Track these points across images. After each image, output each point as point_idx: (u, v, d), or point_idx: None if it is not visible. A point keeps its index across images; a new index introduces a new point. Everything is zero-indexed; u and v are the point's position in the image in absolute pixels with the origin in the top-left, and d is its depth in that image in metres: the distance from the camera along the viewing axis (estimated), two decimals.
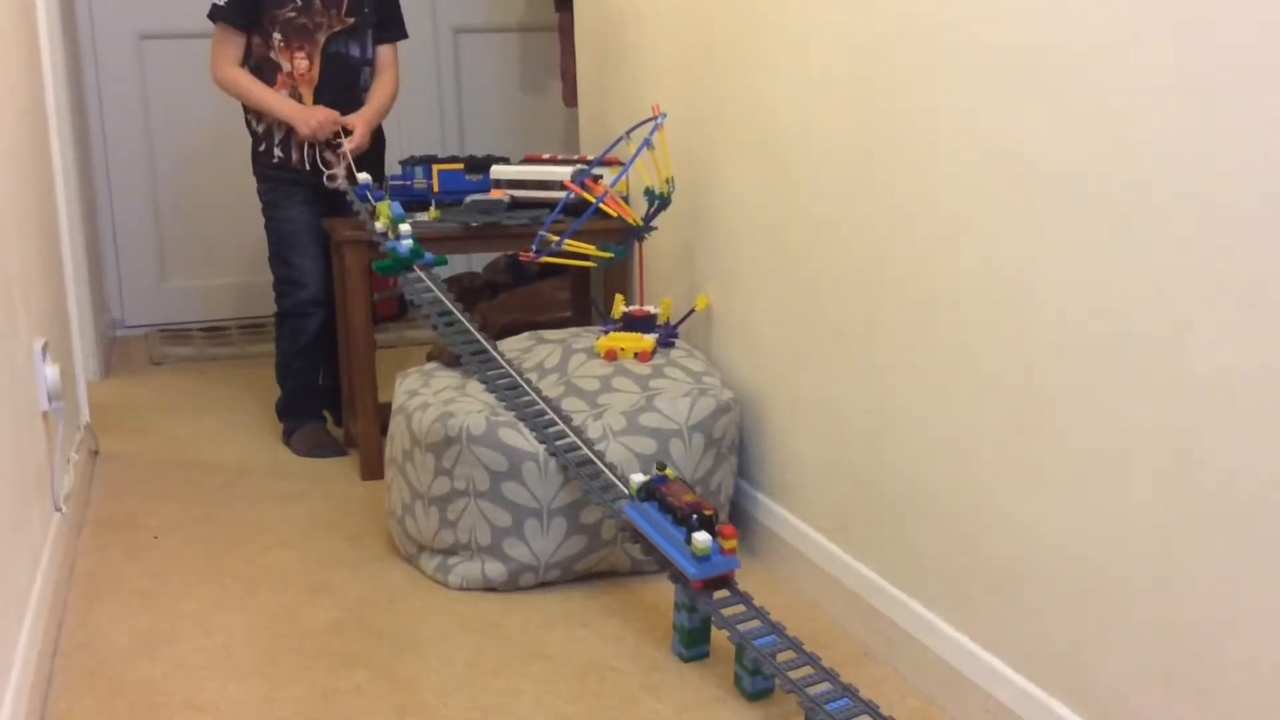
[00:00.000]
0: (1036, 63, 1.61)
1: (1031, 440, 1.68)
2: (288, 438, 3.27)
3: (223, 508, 2.85)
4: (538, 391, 2.42)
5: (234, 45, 3.08)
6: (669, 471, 2.15)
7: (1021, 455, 1.70)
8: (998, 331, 1.73)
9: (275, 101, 3.07)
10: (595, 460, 2.26)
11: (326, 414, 3.38)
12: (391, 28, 3.27)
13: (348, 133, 3.08)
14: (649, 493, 2.10)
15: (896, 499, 2.02)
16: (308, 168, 3.12)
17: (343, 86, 3.15)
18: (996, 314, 1.73)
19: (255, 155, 3.19)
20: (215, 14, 3.09)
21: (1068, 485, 1.62)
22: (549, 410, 2.36)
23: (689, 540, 1.97)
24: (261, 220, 3.24)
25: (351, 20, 3.13)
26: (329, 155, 3.08)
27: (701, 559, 1.96)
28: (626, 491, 2.18)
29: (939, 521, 1.91)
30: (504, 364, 2.50)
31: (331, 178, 3.09)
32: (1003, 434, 1.74)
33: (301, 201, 3.17)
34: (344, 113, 3.14)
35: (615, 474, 2.25)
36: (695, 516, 1.99)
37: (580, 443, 2.29)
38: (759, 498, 2.52)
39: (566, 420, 2.34)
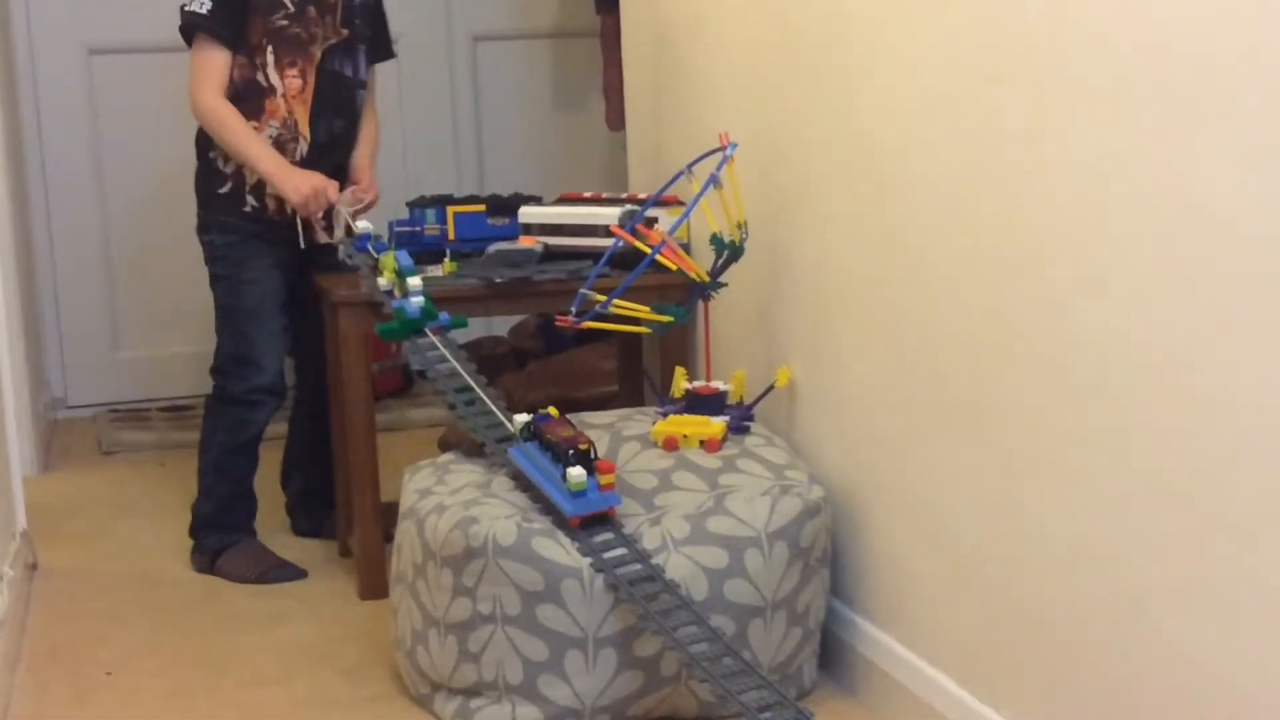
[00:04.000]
0: (1201, 82, 1.62)
1: (1209, 553, 1.67)
2: (211, 561, 3.21)
3: (191, 635, 2.88)
4: None
5: (220, 64, 3.12)
6: (553, 410, 2.46)
7: (1196, 572, 1.69)
8: (1163, 416, 1.73)
9: (264, 156, 3.11)
10: (654, 576, 2.27)
11: (314, 525, 3.42)
12: (380, 46, 3.34)
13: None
14: (532, 432, 2.42)
15: (1035, 627, 2.01)
16: (282, 217, 3.17)
17: (339, 110, 3.22)
18: (1161, 394, 1.73)
19: (214, 198, 3.21)
20: (195, 24, 3.11)
21: (1255, 611, 1.61)
22: None
23: (565, 477, 2.29)
24: None
25: (345, 32, 3.20)
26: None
27: (577, 494, 2.29)
28: (691, 615, 2.19)
29: (1090, 656, 1.90)
30: (614, 529, 2.51)
31: (330, 232, 3.15)
32: (1171, 545, 1.73)
33: (273, 264, 3.20)
34: (344, 143, 3.23)
35: (679, 593, 2.26)
36: (571, 452, 2.30)
37: (634, 555, 2.30)
38: (858, 623, 2.51)
39: (617, 527, 2.35)
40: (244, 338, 3.20)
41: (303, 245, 3.16)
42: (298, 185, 3.09)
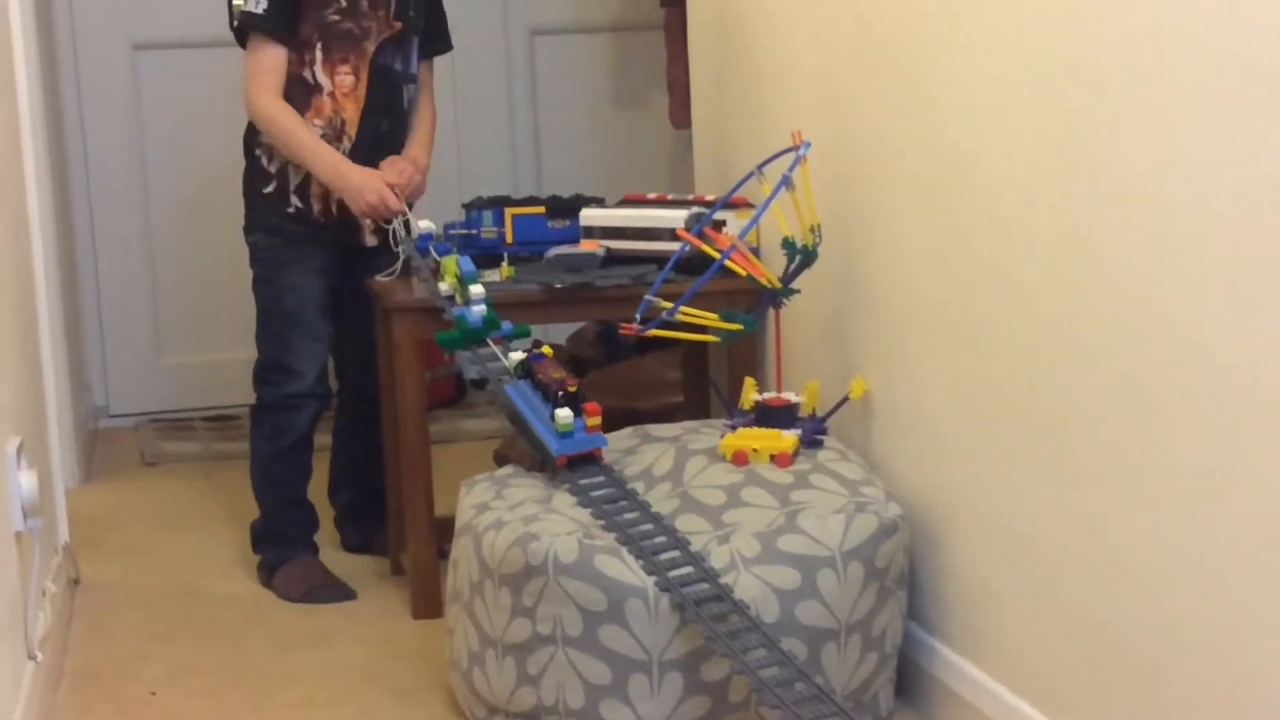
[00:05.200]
0: None
1: None
2: (269, 576, 3.26)
3: (237, 653, 2.91)
4: (645, 506, 2.45)
5: (278, 64, 3.15)
6: (546, 349, 2.70)
7: None
8: (1264, 437, 1.71)
9: (324, 159, 3.14)
10: (722, 597, 2.27)
11: (367, 539, 3.45)
12: (438, 39, 3.38)
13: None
14: (526, 370, 2.65)
15: (1126, 653, 2.00)
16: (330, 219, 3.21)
17: (389, 107, 3.25)
18: (1262, 414, 1.72)
19: (259, 198, 3.26)
20: (249, 23, 3.15)
21: None
22: (660, 531, 2.38)
23: (553, 418, 2.51)
24: None
25: (399, 25, 3.23)
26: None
27: (564, 435, 2.51)
28: (762, 637, 2.20)
29: (1180, 686, 1.88)
30: (602, 469, 2.53)
31: (379, 235, 3.17)
32: (1272, 571, 1.72)
33: (317, 268, 3.24)
34: (391, 143, 3.25)
35: (749, 614, 2.26)
36: (560, 393, 2.53)
37: (702, 574, 2.30)
38: (937, 647, 2.51)
39: (683, 544, 2.35)
40: (282, 344, 3.23)
41: (369, 243, 3.20)
42: (361, 190, 3.11)
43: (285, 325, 3.23)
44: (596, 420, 2.55)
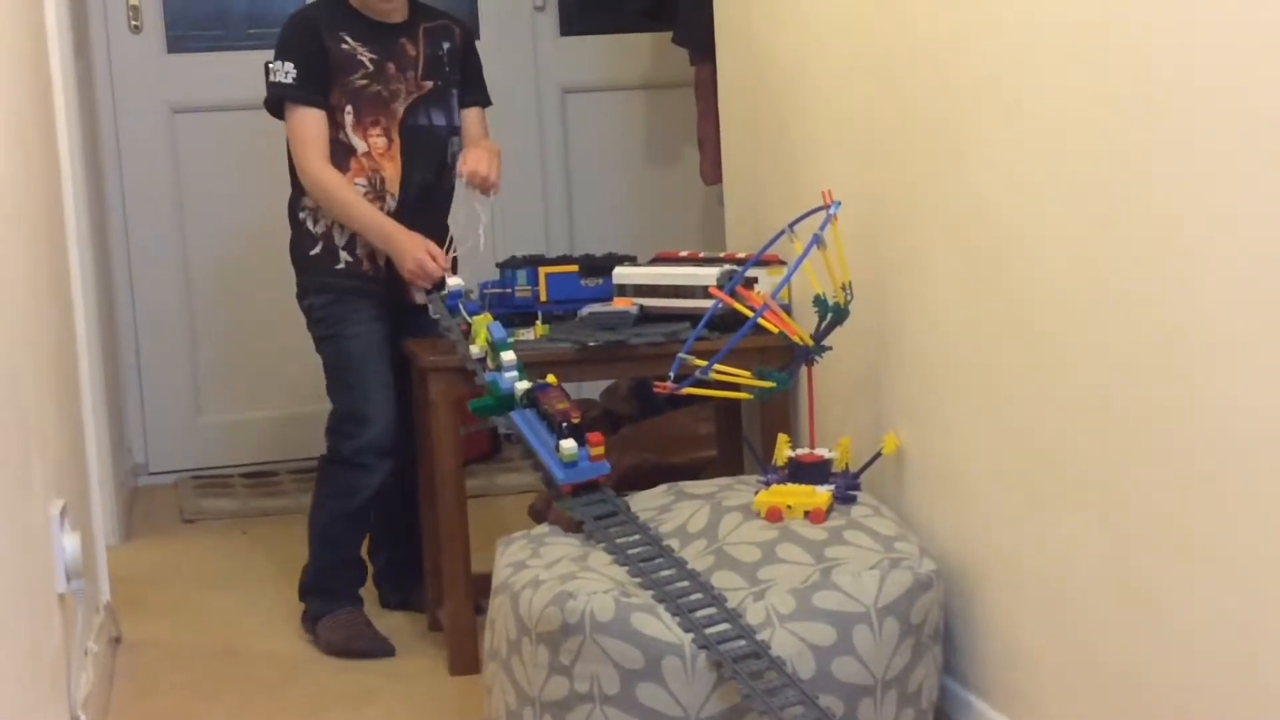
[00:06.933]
0: None
1: None
2: (312, 625, 3.28)
3: (279, 712, 2.91)
4: (681, 564, 2.44)
5: (319, 128, 3.18)
6: (551, 378, 2.77)
7: None
8: None
9: (373, 224, 3.18)
10: (759, 653, 2.27)
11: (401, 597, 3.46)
12: (473, 91, 3.41)
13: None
14: (531, 400, 2.74)
15: (1166, 711, 1.99)
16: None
17: (430, 163, 3.28)
18: None
19: (307, 260, 3.29)
20: (282, 94, 3.20)
21: None
22: (696, 588, 2.38)
23: (558, 448, 2.60)
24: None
25: (430, 84, 3.27)
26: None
27: (569, 464, 2.61)
28: (799, 694, 2.20)
29: None
30: (637, 527, 2.54)
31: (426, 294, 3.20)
32: None
33: (373, 316, 3.26)
34: (434, 198, 3.29)
35: (785, 671, 2.25)
36: (564, 424, 2.62)
37: (738, 630, 2.30)
38: (974, 703, 2.49)
39: (719, 601, 2.35)
40: (353, 392, 3.24)
41: (417, 300, 3.22)
42: (411, 251, 3.14)
43: (355, 374, 3.25)
44: (600, 450, 2.64)
